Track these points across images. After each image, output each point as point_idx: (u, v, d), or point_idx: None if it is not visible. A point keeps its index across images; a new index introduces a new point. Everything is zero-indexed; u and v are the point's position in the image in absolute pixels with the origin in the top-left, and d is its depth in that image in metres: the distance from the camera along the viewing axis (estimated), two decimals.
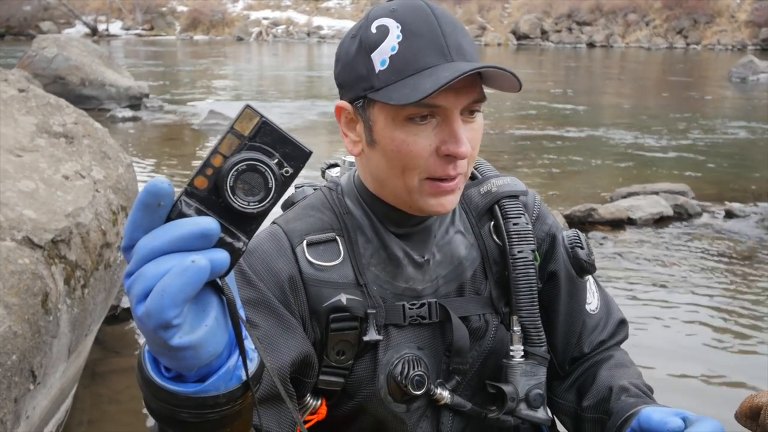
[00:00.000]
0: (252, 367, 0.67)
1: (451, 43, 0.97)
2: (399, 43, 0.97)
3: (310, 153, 0.64)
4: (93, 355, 3.19)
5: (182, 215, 0.61)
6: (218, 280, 0.63)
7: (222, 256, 0.61)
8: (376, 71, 0.98)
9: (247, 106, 0.62)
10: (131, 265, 0.60)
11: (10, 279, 2.06)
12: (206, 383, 0.63)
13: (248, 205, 0.61)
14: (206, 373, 0.64)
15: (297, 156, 0.63)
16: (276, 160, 0.62)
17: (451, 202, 1.04)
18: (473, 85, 0.98)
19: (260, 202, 0.62)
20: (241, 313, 0.67)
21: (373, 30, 1.00)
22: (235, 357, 0.66)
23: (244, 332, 0.67)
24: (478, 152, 1.08)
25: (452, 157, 0.99)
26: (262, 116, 0.62)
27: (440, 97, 0.95)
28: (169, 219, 0.61)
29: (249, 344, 0.68)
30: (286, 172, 0.63)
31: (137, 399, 3.09)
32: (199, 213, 0.61)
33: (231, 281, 0.66)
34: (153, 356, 0.65)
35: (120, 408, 3.03)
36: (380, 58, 0.98)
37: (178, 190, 0.62)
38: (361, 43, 1.01)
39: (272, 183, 0.62)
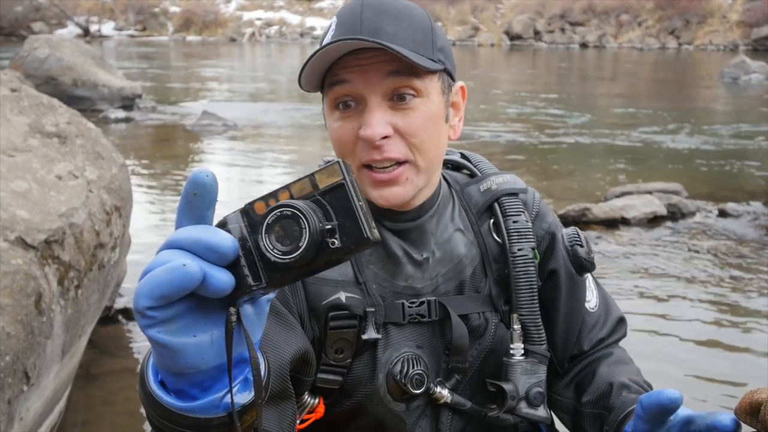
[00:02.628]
0: (248, 396, 0.65)
1: (367, 27, 0.98)
2: (332, 35, 1.02)
3: (371, 241, 0.59)
4: (87, 357, 3.17)
5: (223, 225, 0.61)
6: (231, 307, 0.61)
7: (223, 277, 0.59)
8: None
9: (340, 162, 0.60)
10: (161, 245, 0.61)
11: (3, 279, 2.04)
12: (194, 403, 0.63)
13: (272, 249, 0.59)
14: (188, 388, 0.63)
15: (353, 235, 0.59)
16: (329, 227, 0.59)
17: (395, 194, 1.03)
18: (388, 62, 0.98)
19: (284, 254, 0.59)
20: (255, 344, 0.65)
21: (326, 29, 1.06)
22: (226, 386, 0.64)
23: (244, 366, 0.65)
24: (483, 152, 1.07)
25: (369, 143, 1.00)
26: (345, 179, 0.59)
27: (344, 71, 0.99)
28: (221, 225, 0.61)
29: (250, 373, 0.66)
30: (332, 243, 0.59)
31: (131, 400, 3.07)
32: (240, 232, 0.60)
33: (258, 319, 0.64)
34: (155, 368, 0.65)
35: (114, 409, 3.01)
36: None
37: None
38: (319, 42, 1.07)
39: (305, 242, 0.58)
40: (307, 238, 0.58)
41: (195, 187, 0.59)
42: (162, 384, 0.65)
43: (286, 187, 0.60)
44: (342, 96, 1.02)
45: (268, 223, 0.59)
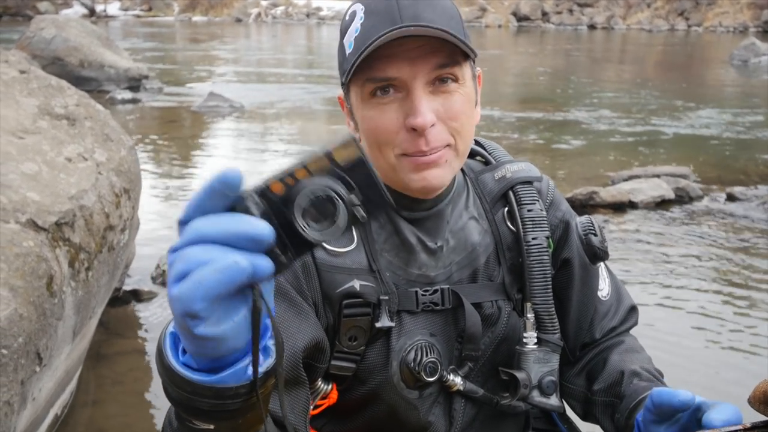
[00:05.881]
0: (269, 362, 0.67)
1: (407, 13, 0.95)
2: (361, 24, 0.98)
3: (390, 205, 0.65)
4: (97, 337, 3.19)
5: (245, 211, 0.60)
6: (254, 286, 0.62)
7: (266, 264, 0.60)
8: (346, 55, 1.00)
9: (353, 138, 0.62)
10: (179, 241, 0.60)
11: (15, 261, 2.05)
12: (222, 374, 0.63)
13: (308, 231, 0.61)
14: (220, 365, 0.63)
15: (377, 204, 0.62)
16: (354, 199, 0.62)
17: (435, 176, 1.02)
18: (434, 53, 0.97)
19: (321, 232, 0.61)
20: (273, 309, 0.66)
21: (347, 17, 1.02)
22: (250, 357, 0.65)
23: (267, 333, 0.66)
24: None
25: (419, 131, 0.98)
26: (362, 153, 0.61)
27: (392, 68, 0.96)
28: (232, 209, 0.60)
29: (270, 342, 0.67)
30: (360, 215, 0.62)
31: (141, 380, 3.10)
32: (263, 215, 0.60)
33: (271, 288, 0.65)
34: (174, 341, 0.66)
35: (124, 389, 3.04)
36: (348, 41, 1.00)
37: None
38: (340, 30, 1.04)
39: (340, 220, 0.61)
40: (343, 216, 0.61)
41: (228, 188, 0.59)
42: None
43: (303, 165, 0.61)
44: (382, 85, 0.99)
45: (301, 204, 0.60)
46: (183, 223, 0.61)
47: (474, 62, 1.07)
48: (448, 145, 1.01)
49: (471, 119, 1.05)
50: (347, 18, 1.02)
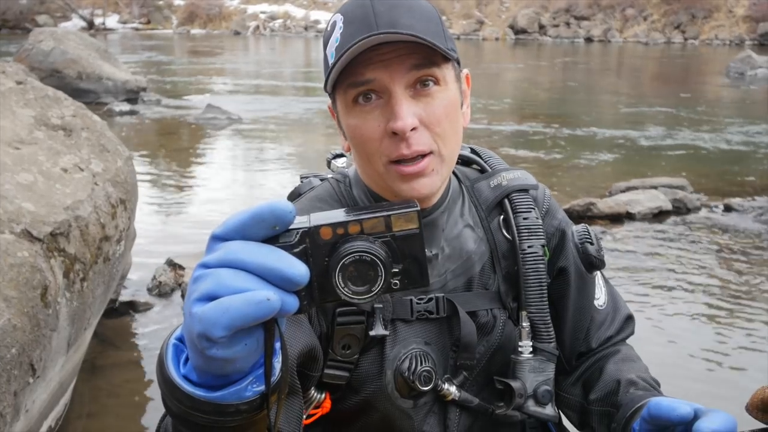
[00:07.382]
0: (273, 381, 0.66)
1: (383, 20, 0.95)
2: (341, 33, 0.99)
3: (427, 285, 0.63)
4: (92, 349, 3.18)
5: (288, 247, 0.60)
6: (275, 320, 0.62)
7: (294, 304, 0.59)
8: (329, 65, 1.00)
9: (418, 210, 0.62)
10: (212, 259, 0.59)
11: (9, 272, 2.04)
12: (224, 392, 0.63)
13: (342, 288, 0.61)
14: (222, 382, 0.63)
15: (415, 280, 0.63)
16: (395, 270, 0.62)
17: (424, 185, 1.02)
18: (409, 55, 0.97)
19: (355, 293, 0.61)
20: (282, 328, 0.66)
21: (328, 27, 1.03)
22: (253, 375, 0.64)
23: (276, 355, 0.66)
24: (493, 146, 1.06)
25: (400, 135, 0.98)
26: (420, 228, 0.62)
27: (369, 71, 0.97)
28: (275, 239, 0.60)
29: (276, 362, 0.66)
30: (395, 285, 0.62)
31: (136, 392, 3.08)
32: (303, 254, 0.60)
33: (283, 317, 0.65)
34: (176, 352, 0.65)
35: (119, 401, 3.02)
36: (330, 52, 1.00)
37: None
38: (323, 42, 1.05)
39: (378, 288, 0.61)
40: (381, 285, 0.61)
41: (278, 222, 0.59)
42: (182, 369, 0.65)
43: (358, 222, 0.61)
44: (363, 91, 0.99)
45: (343, 262, 0.60)
46: (218, 239, 0.60)
47: (459, 64, 1.07)
48: (431, 153, 1.01)
49: (455, 123, 1.04)
50: (328, 29, 1.03)
